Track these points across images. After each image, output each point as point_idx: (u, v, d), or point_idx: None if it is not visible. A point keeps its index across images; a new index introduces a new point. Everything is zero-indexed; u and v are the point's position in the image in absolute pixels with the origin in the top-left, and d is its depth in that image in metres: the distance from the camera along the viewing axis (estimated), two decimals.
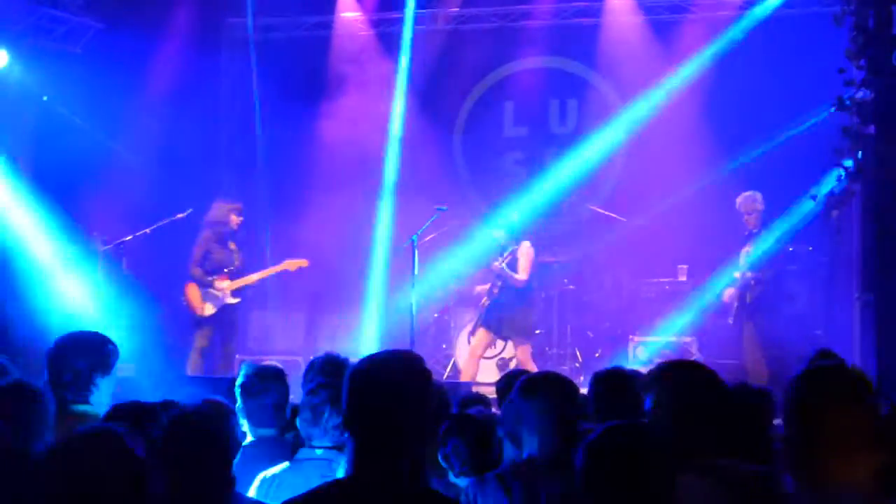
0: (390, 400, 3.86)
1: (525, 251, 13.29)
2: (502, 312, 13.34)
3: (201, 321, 13.93)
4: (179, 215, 14.08)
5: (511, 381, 7.03)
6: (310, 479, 4.84)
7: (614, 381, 6.05)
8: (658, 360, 6.01)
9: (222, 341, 14.08)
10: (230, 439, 4.38)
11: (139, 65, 14.59)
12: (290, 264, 14.08)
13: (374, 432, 3.85)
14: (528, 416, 5.37)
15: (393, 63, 16.09)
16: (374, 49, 16.40)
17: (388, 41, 16.33)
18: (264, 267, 14.48)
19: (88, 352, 6.20)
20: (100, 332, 6.45)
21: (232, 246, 14.10)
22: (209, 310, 13.92)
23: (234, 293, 13.99)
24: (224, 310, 13.98)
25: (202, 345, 13.91)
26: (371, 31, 16.48)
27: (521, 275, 13.23)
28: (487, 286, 13.62)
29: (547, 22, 15.97)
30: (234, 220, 13.99)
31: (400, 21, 16.06)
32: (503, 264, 13.24)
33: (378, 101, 16.00)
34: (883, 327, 11.79)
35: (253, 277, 14.13)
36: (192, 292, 13.99)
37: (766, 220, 13.24)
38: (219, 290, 13.95)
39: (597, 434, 4.06)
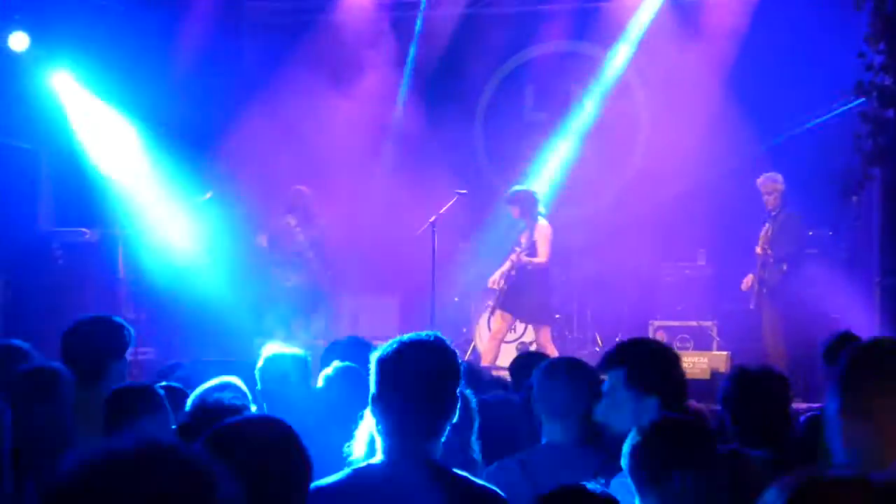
0: (417, 381, 3.89)
1: (543, 232, 13.26)
2: (521, 295, 13.33)
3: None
4: (201, 198, 14.14)
5: (523, 364, 7.08)
6: None
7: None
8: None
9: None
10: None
11: (161, 46, 14.58)
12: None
13: (405, 415, 3.89)
14: (549, 402, 5.39)
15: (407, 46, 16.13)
16: (390, 32, 16.39)
17: (406, 24, 16.34)
18: None
19: (102, 335, 6.27)
20: (112, 316, 6.49)
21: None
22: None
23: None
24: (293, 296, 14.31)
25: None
26: (387, 14, 16.45)
27: (542, 257, 13.23)
28: (502, 272, 13.59)
29: (567, 5, 15.94)
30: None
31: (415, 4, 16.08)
32: (522, 253, 13.24)
33: (396, 85, 16.07)
34: None
35: None
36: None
37: (786, 202, 13.22)
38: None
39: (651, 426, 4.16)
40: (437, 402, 3.91)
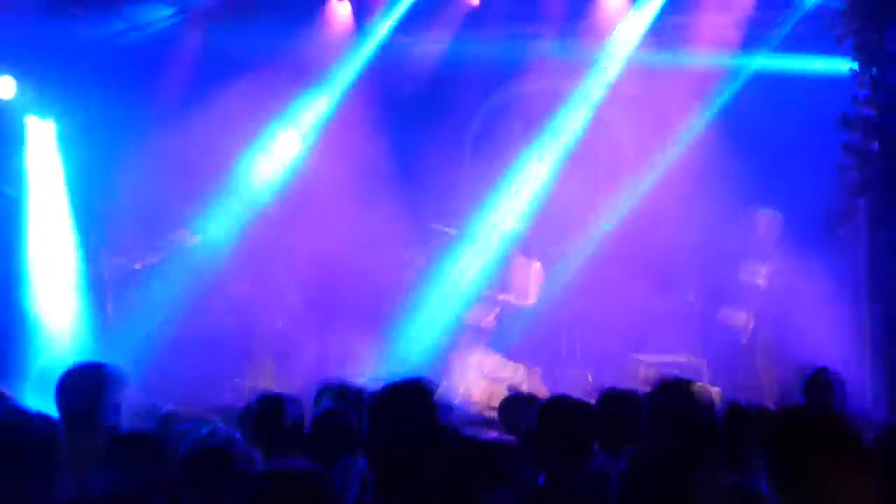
0: (408, 428, 3.90)
1: (535, 274, 13.31)
2: (510, 335, 13.35)
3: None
4: (188, 240, 14.14)
5: (511, 405, 7.10)
6: None
7: (620, 403, 6.06)
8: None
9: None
10: None
11: (146, 92, 14.62)
12: None
13: (395, 460, 3.90)
14: (544, 439, 5.41)
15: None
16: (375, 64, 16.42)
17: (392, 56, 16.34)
18: None
19: (96, 381, 6.28)
20: (105, 361, 6.50)
21: None
22: None
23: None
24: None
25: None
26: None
27: (531, 298, 13.26)
28: (489, 313, 13.60)
29: (557, 40, 15.94)
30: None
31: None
32: (506, 295, 13.27)
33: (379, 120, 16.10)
34: (891, 341, 11.87)
35: None
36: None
37: (782, 238, 13.27)
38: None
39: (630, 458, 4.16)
40: (426, 448, 3.92)
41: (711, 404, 5.54)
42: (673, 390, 5.52)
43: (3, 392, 6.89)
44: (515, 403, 7.17)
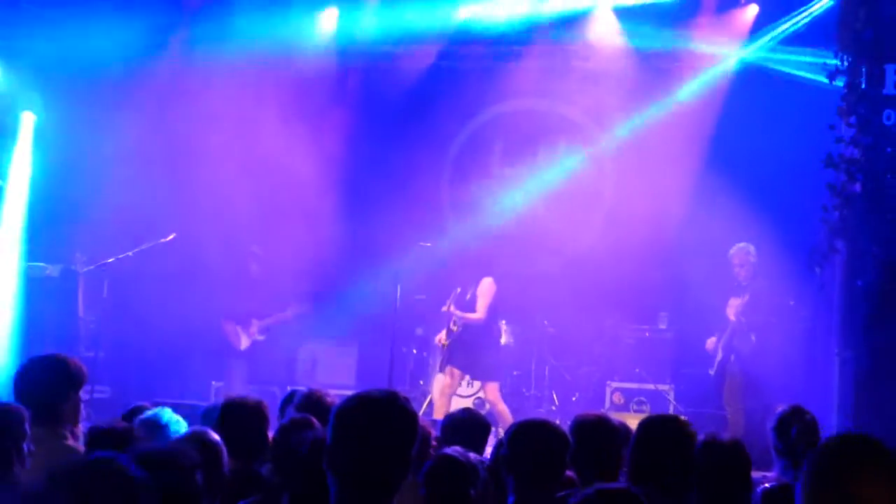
0: (374, 440, 3.85)
1: (484, 289, 13.28)
2: (465, 351, 13.30)
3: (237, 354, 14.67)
4: (163, 240, 14.07)
5: (453, 423, 7.07)
6: None
7: (594, 430, 6.02)
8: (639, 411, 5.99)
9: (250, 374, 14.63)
10: None
11: (127, 81, 14.56)
12: (294, 310, 14.70)
13: (360, 471, 3.85)
14: (515, 462, 5.37)
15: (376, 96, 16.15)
16: (359, 82, 16.41)
17: (376, 74, 16.31)
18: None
19: (54, 373, 6.18)
20: (67, 354, 6.43)
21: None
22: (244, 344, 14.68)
23: (260, 331, 14.61)
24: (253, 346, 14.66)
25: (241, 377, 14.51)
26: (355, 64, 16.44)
27: (479, 313, 13.21)
28: (445, 332, 13.59)
29: (539, 63, 15.95)
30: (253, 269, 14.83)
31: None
32: (451, 306, 13.26)
33: (362, 135, 16.09)
34: (860, 386, 11.84)
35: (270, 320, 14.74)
36: (230, 327, 14.74)
37: (756, 272, 13.25)
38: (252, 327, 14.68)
39: (583, 497, 4.10)
40: (391, 462, 3.87)
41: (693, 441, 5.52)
42: (664, 427, 5.48)
43: None
44: (456, 422, 7.11)
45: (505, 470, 5.40)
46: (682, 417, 5.79)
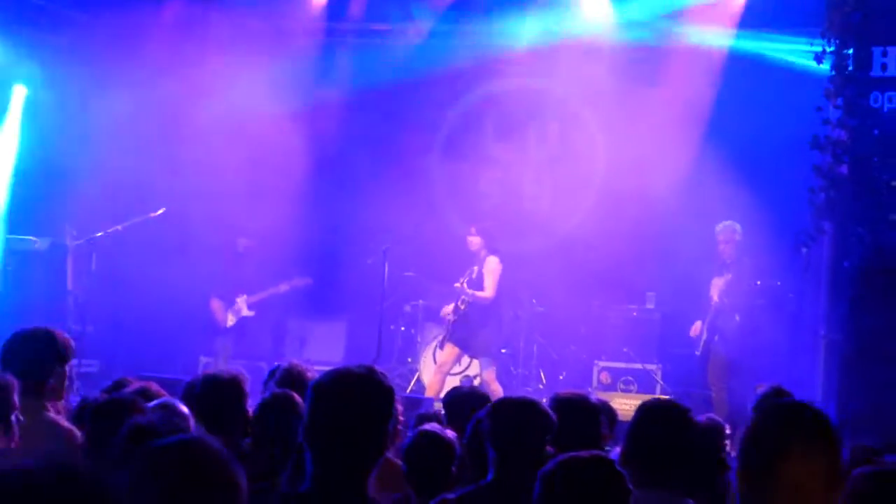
0: (351, 415, 3.89)
1: (492, 267, 13.28)
2: (469, 330, 13.34)
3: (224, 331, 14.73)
4: (153, 214, 14.09)
5: (458, 399, 7.08)
6: None
7: (574, 407, 6.05)
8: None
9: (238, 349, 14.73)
10: None
11: (125, 58, 14.54)
12: (295, 282, 14.62)
13: (335, 445, 3.89)
14: (497, 439, 5.40)
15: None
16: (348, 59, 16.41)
17: (366, 51, 16.30)
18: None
19: (40, 346, 6.21)
20: (54, 328, 6.45)
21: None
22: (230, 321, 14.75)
23: (250, 306, 14.67)
24: (241, 322, 14.69)
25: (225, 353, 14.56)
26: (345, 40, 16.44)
27: (488, 291, 13.23)
28: (452, 306, 13.60)
29: (531, 40, 15.92)
30: (240, 243, 14.81)
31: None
32: (464, 283, 13.29)
33: (353, 111, 16.10)
34: (845, 368, 11.89)
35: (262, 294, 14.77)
36: (216, 304, 14.84)
37: (741, 251, 13.27)
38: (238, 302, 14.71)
39: (554, 464, 4.16)
40: (367, 436, 3.91)
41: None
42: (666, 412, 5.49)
43: None
44: (460, 398, 7.13)
45: (486, 446, 5.42)
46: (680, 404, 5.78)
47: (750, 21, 14.74)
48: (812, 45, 12.04)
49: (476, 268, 13.39)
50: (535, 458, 5.10)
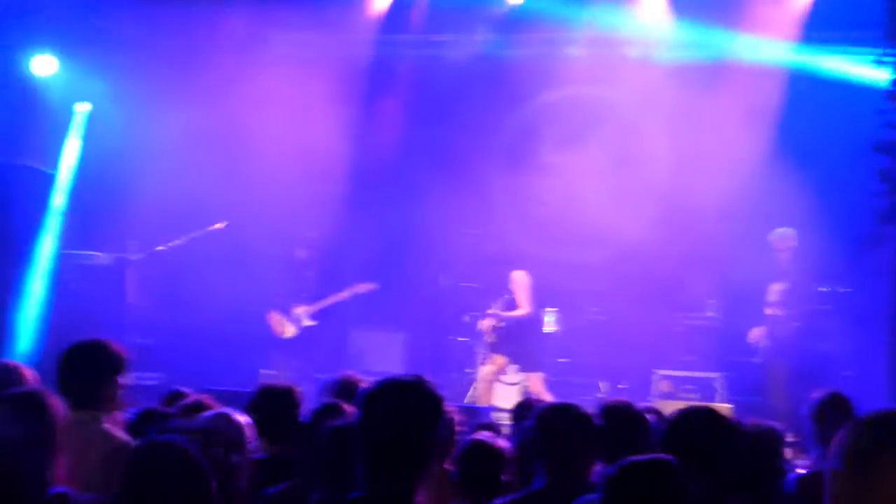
0: (399, 424, 3.92)
1: (521, 282, 13.34)
2: (514, 343, 13.38)
3: (283, 342, 14.69)
4: (214, 227, 14.19)
5: (525, 409, 7.07)
6: None
7: (622, 416, 6.03)
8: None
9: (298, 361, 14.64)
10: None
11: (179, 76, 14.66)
12: (358, 288, 14.45)
13: (385, 453, 3.92)
14: (543, 447, 5.38)
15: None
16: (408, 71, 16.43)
17: (424, 63, 16.32)
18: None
19: (94, 357, 6.23)
20: (114, 339, 6.49)
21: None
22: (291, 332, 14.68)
23: (311, 316, 14.58)
24: (302, 333, 14.67)
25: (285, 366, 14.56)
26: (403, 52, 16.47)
27: (524, 308, 13.30)
28: (490, 324, 13.64)
29: (589, 49, 15.88)
30: (299, 253, 14.70)
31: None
32: (497, 310, 13.35)
33: (410, 125, 16.12)
34: None
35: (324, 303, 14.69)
36: (275, 317, 14.81)
37: (799, 258, 13.17)
38: (297, 313, 14.66)
39: (620, 467, 4.15)
40: (416, 445, 3.93)
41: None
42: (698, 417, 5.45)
43: (14, 366, 6.91)
44: (527, 408, 7.12)
45: (533, 454, 5.42)
46: (721, 408, 5.74)
47: (811, 29, 14.62)
48: (874, 51, 11.95)
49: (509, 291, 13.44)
50: (581, 466, 5.09)
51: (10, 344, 13.66)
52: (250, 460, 5.15)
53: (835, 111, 13.90)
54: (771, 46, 14.94)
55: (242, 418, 5.50)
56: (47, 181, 14.71)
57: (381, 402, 3.98)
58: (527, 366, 13.59)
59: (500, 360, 13.55)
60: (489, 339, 13.59)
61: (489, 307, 13.54)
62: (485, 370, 13.78)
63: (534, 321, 13.42)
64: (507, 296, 13.43)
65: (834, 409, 6.94)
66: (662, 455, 4.56)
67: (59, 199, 14.78)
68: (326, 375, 10.67)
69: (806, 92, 14.47)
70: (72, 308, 13.54)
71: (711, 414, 5.45)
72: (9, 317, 14.04)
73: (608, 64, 15.52)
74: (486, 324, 13.70)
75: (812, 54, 14.77)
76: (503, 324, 13.39)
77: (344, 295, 14.53)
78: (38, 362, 7.27)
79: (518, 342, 13.32)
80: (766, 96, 14.83)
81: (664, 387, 14.32)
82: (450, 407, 6.53)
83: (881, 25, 11.96)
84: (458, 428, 6.46)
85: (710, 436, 5.26)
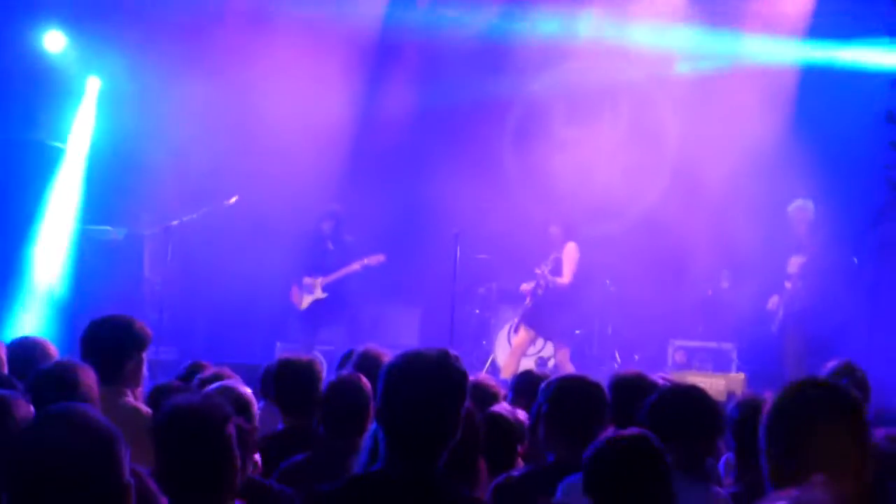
0: (423, 397, 3.90)
1: (570, 253, 13.29)
2: (545, 313, 13.36)
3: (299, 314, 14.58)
4: (227, 202, 14.20)
5: (527, 380, 7.07)
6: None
7: (632, 387, 6.03)
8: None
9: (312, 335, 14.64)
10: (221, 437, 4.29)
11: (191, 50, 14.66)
12: (368, 260, 14.42)
13: (406, 428, 3.91)
14: (555, 420, 5.41)
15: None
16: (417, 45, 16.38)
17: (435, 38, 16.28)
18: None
19: (119, 333, 6.29)
20: (132, 315, 6.53)
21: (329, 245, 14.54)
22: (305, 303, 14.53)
23: (324, 288, 14.44)
24: (315, 305, 14.46)
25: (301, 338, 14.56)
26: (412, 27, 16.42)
27: (566, 278, 13.24)
28: (532, 284, 13.63)
29: (601, 21, 15.80)
30: (325, 226, 14.55)
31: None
32: (546, 270, 13.30)
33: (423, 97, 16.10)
34: None
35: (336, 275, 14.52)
36: (295, 290, 14.66)
37: (816, 230, 13.16)
38: (310, 284, 14.50)
39: (600, 443, 4.21)
40: (439, 419, 3.92)
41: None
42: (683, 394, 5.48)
43: (39, 342, 6.95)
44: (529, 380, 7.11)
45: (544, 427, 5.43)
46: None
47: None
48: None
49: (554, 254, 13.40)
50: (593, 439, 5.11)
51: (22, 319, 13.72)
52: (254, 432, 5.17)
53: (848, 83, 13.87)
54: (780, 42, 14.92)
55: (246, 389, 5.54)
56: (57, 155, 14.74)
57: (405, 375, 3.95)
58: (556, 339, 13.59)
59: (529, 332, 13.56)
60: (527, 302, 13.60)
61: (538, 267, 13.50)
62: (516, 342, 13.78)
63: (571, 294, 13.38)
64: (554, 255, 13.39)
65: (846, 379, 6.95)
66: (641, 431, 4.62)
67: (71, 173, 14.80)
68: (341, 349, 10.73)
69: (820, 67, 14.45)
70: (88, 283, 13.57)
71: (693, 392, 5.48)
72: (19, 291, 14.10)
73: (620, 37, 15.47)
74: (527, 286, 13.71)
75: (823, 47, 14.73)
76: (542, 291, 13.39)
77: (355, 267, 14.46)
78: (56, 338, 7.28)
79: (552, 313, 13.30)
80: (778, 70, 14.81)
81: (679, 357, 14.35)
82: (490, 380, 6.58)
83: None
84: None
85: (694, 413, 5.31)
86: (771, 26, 14.80)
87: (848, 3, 14.14)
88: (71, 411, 3.12)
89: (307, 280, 14.48)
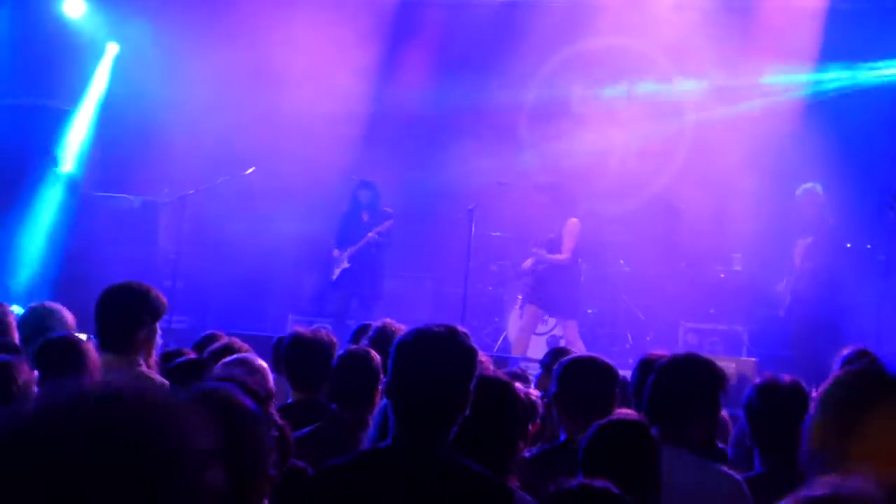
0: (432, 373, 3.95)
1: (570, 228, 13.25)
2: (547, 289, 13.34)
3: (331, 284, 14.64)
4: (244, 173, 14.22)
5: (556, 359, 7.08)
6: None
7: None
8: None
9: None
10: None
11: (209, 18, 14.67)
12: (380, 229, 14.45)
13: (416, 403, 3.96)
14: (566, 400, 5.43)
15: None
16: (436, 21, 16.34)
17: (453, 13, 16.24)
18: None
19: (135, 301, 6.27)
20: (146, 283, 6.53)
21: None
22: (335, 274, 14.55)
23: (348, 259, 14.44)
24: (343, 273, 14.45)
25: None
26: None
27: (564, 254, 13.21)
28: (532, 261, 13.61)
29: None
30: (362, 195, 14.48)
31: None
32: (542, 251, 13.30)
33: (440, 73, 16.07)
34: None
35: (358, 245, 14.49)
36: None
37: (825, 214, 13.14)
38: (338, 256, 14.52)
39: (594, 430, 4.25)
40: (447, 395, 3.96)
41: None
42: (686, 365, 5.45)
43: (53, 309, 7.00)
44: (557, 358, 7.11)
45: (555, 406, 5.46)
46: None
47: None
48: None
49: (556, 229, 13.37)
50: (603, 417, 5.14)
51: (34, 285, 13.77)
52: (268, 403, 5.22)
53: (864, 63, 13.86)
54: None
55: (262, 363, 5.56)
56: (72, 120, 14.79)
57: (415, 351, 4.00)
58: (560, 312, 13.58)
59: (535, 310, 13.54)
60: (528, 280, 13.60)
61: (535, 247, 13.51)
62: (524, 322, 13.77)
63: (570, 268, 13.35)
64: (552, 235, 13.37)
65: (860, 365, 6.94)
66: (634, 416, 4.66)
67: (82, 137, 14.84)
68: (355, 323, 10.78)
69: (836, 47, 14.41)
70: (102, 251, 13.60)
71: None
72: (27, 254, 14.17)
73: (638, 12, 15.42)
74: (527, 263, 13.71)
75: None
76: (542, 266, 13.38)
77: (371, 235, 14.42)
78: (69, 304, 7.32)
79: (553, 288, 13.28)
80: (798, 42, 14.73)
81: (690, 339, 14.35)
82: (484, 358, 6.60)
83: None
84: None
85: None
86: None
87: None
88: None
89: (336, 252, 14.49)
